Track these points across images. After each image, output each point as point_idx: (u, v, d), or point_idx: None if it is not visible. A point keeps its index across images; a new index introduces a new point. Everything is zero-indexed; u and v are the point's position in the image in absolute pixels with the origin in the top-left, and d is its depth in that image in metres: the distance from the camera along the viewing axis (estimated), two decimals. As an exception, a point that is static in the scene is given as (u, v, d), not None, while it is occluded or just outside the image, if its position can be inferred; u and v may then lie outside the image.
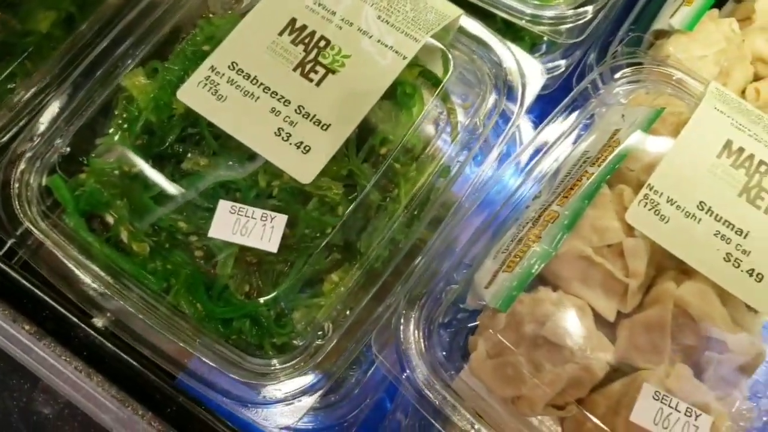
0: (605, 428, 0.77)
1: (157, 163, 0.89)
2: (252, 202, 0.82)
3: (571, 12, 1.01)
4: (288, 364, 0.85)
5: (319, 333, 0.85)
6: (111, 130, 0.91)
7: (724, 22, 1.06)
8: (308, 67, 0.86)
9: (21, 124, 0.95)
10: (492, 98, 0.94)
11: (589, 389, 0.80)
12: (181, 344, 0.83)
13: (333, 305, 0.85)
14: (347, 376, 0.91)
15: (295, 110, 0.83)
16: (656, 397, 0.76)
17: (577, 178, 0.85)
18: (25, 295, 0.91)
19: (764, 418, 0.82)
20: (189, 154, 0.87)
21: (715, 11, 1.08)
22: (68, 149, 0.91)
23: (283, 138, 0.82)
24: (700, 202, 0.82)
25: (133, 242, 0.86)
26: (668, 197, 0.82)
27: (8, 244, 0.90)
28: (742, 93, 1.04)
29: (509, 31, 1.06)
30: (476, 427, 0.79)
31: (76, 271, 0.86)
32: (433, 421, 0.82)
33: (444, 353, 0.84)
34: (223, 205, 0.81)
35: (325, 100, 0.84)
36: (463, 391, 0.82)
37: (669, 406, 0.75)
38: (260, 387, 0.84)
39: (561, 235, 0.81)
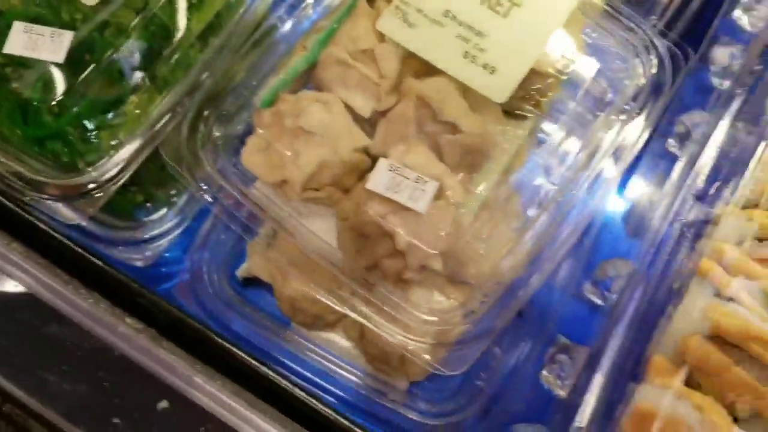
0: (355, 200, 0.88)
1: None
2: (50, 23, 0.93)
3: None
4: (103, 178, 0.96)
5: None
6: None
7: None
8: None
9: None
10: None
11: (348, 177, 0.91)
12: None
13: (135, 124, 0.96)
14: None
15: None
16: (390, 169, 0.87)
17: (344, -2, 0.96)
18: None
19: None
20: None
21: None
22: None
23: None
24: (446, 11, 0.93)
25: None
26: (417, 7, 0.93)
27: None
28: None
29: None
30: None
31: None
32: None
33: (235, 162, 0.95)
34: (17, 26, 0.92)
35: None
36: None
37: (401, 175, 0.87)
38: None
39: (321, 43, 0.93)
